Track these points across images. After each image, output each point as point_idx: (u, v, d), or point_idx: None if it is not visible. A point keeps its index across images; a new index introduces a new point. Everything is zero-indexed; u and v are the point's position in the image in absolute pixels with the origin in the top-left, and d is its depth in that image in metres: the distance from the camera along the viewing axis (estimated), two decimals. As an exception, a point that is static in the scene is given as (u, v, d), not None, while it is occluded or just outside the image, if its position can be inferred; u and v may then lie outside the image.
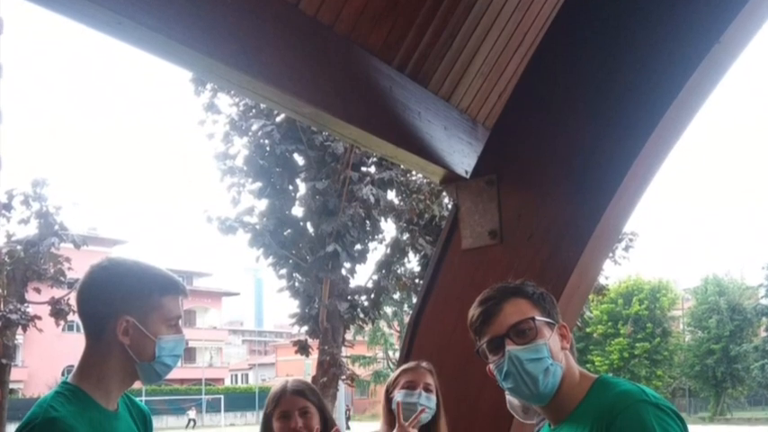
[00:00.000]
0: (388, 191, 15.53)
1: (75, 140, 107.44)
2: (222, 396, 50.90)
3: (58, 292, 15.11)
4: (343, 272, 15.25)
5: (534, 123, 4.08)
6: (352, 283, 15.70)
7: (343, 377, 15.67)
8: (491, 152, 4.22)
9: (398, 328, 39.10)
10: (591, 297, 19.30)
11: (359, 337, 37.71)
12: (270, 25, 2.97)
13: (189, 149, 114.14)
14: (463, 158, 4.19)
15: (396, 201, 15.89)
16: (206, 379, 53.31)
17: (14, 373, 20.52)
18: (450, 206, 10.16)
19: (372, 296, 15.89)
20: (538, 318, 1.99)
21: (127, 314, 2.01)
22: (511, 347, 1.96)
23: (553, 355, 1.97)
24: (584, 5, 4.06)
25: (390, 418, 3.07)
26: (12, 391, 23.10)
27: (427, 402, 3.08)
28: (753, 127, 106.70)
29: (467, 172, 4.19)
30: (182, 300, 2.13)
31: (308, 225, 15.44)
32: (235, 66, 2.79)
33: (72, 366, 2.16)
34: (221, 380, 60.39)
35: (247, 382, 63.16)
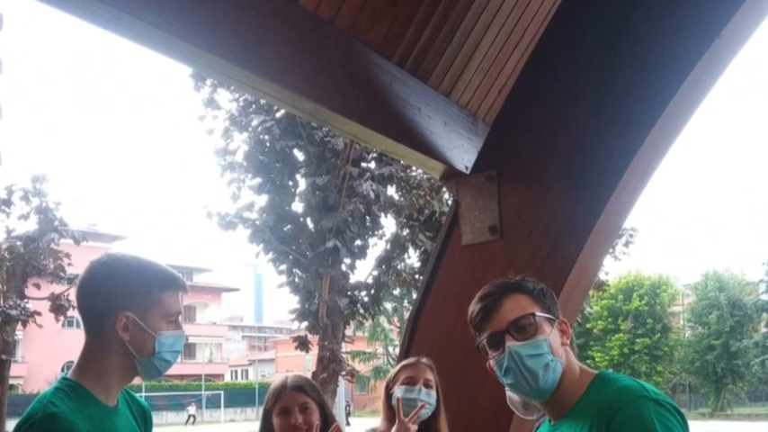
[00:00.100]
0: (389, 186, 15.53)
1: (75, 136, 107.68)
2: (222, 392, 50.86)
3: (57, 288, 15.13)
4: (343, 267, 15.26)
5: (534, 119, 4.07)
6: (352, 279, 15.71)
7: (343, 373, 15.69)
8: (491, 148, 4.22)
9: (398, 324, 39.07)
10: (591, 293, 19.32)
11: (359, 333, 37.82)
12: (270, 21, 2.97)
13: (189, 145, 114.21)
14: (463, 154, 4.19)
15: (396, 196, 15.88)
16: (206, 375, 53.30)
17: (14, 369, 20.53)
18: (450, 202, 10.16)
19: (372, 292, 15.89)
20: (538, 313, 1.99)
21: (127, 310, 2.01)
22: (511, 343, 1.96)
23: (553, 350, 1.97)
24: (585, 1, 4.06)
25: (390, 413, 3.07)
26: (11, 386, 23.11)
27: (427, 398, 3.08)
28: (753, 122, 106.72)
29: (467, 168, 4.18)
30: (182, 295, 2.13)
31: (308, 221, 15.45)
32: (235, 61, 2.79)
33: (72, 362, 2.16)
34: (221, 376, 60.37)
35: (247, 377, 63.18)
